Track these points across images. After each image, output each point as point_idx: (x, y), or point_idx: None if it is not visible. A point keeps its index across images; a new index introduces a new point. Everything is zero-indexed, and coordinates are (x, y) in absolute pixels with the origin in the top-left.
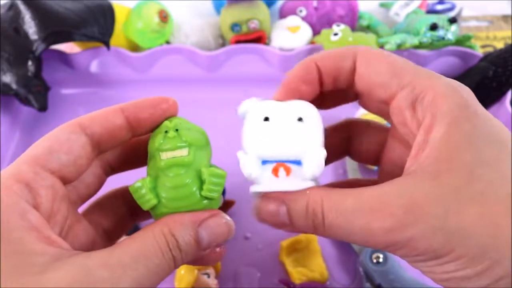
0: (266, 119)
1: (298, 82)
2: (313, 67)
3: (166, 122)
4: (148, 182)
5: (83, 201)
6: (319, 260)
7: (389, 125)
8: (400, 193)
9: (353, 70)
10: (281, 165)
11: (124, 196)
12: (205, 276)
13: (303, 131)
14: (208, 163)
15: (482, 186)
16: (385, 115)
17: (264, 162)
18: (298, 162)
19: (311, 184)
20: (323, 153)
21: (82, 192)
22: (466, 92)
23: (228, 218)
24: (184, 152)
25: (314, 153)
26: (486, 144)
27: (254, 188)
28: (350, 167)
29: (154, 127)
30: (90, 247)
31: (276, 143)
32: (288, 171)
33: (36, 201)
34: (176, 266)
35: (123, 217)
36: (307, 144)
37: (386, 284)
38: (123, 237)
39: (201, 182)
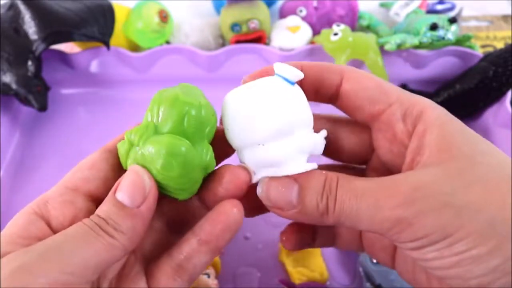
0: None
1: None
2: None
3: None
4: None
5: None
6: (319, 260)
7: None
8: (408, 177)
9: (338, 85)
10: None
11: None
12: (205, 276)
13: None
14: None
15: (484, 170)
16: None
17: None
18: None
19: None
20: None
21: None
22: (439, 106)
23: (137, 169)
24: None
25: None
26: (479, 139)
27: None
28: None
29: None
30: None
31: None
32: None
33: None
34: (118, 239)
35: None
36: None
37: (386, 284)
38: None
39: None
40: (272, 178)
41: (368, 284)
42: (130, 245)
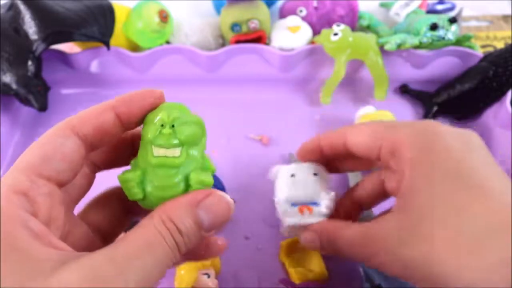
0: (292, 175)
1: (307, 152)
2: (317, 145)
3: (164, 116)
4: (137, 176)
5: (76, 202)
6: (319, 260)
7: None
8: (374, 231)
9: (346, 145)
10: (305, 207)
11: (118, 194)
12: (205, 276)
13: (318, 182)
14: (200, 161)
15: (430, 227)
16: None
17: (293, 204)
18: (315, 203)
19: (325, 218)
20: (333, 195)
21: (74, 194)
22: (431, 130)
23: (226, 195)
24: (176, 152)
25: (328, 196)
26: (441, 181)
27: (287, 222)
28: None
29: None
30: (89, 249)
31: (301, 192)
32: (310, 210)
33: (34, 209)
34: (181, 252)
35: (118, 215)
36: (322, 191)
37: (386, 284)
38: (122, 234)
39: (188, 185)
40: (303, 233)
41: (368, 284)
42: (181, 259)
